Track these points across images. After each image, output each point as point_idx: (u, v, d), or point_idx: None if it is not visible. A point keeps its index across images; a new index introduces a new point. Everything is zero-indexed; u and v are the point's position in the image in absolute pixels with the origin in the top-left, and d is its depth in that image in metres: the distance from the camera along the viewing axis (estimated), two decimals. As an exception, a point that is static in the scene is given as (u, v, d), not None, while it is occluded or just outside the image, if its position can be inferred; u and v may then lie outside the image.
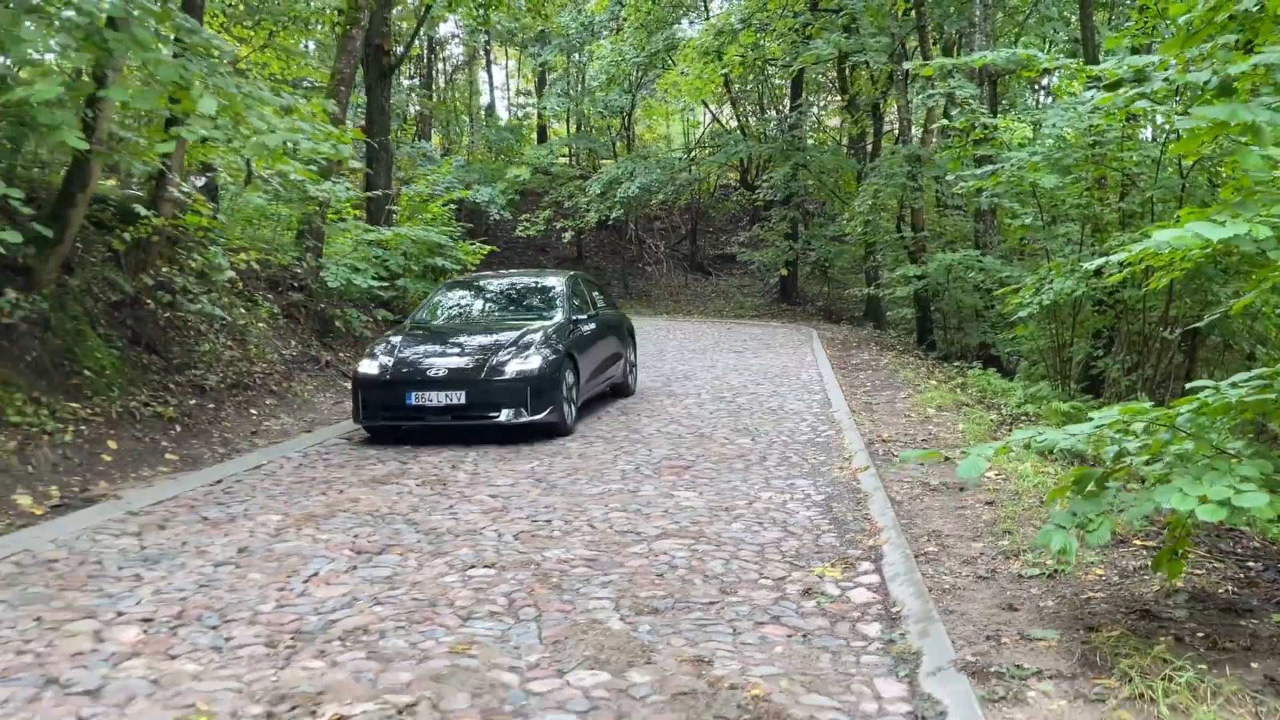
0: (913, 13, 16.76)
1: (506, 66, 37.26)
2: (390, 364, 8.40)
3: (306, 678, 3.55)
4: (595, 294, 10.97)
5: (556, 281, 10.20)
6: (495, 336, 8.78)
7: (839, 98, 26.14)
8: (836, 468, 7.13)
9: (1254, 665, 3.30)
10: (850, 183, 24.64)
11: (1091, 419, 3.39)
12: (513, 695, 3.39)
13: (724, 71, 21.77)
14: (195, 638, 3.96)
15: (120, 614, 4.25)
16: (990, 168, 10.89)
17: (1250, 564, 4.47)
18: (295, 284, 12.01)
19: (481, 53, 35.49)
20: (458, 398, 8.10)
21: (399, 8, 18.92)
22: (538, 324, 9.09)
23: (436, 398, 8.11)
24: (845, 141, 27.30)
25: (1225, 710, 2.96)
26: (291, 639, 3.94)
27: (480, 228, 27.78)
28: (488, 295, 10.37)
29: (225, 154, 9.65)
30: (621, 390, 10.89)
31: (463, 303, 10.23)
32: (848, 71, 22.91)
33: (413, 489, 6.56)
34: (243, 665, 3.68)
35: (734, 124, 29.88)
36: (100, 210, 9.15)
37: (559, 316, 9.35)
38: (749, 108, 29.57)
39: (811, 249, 26.01)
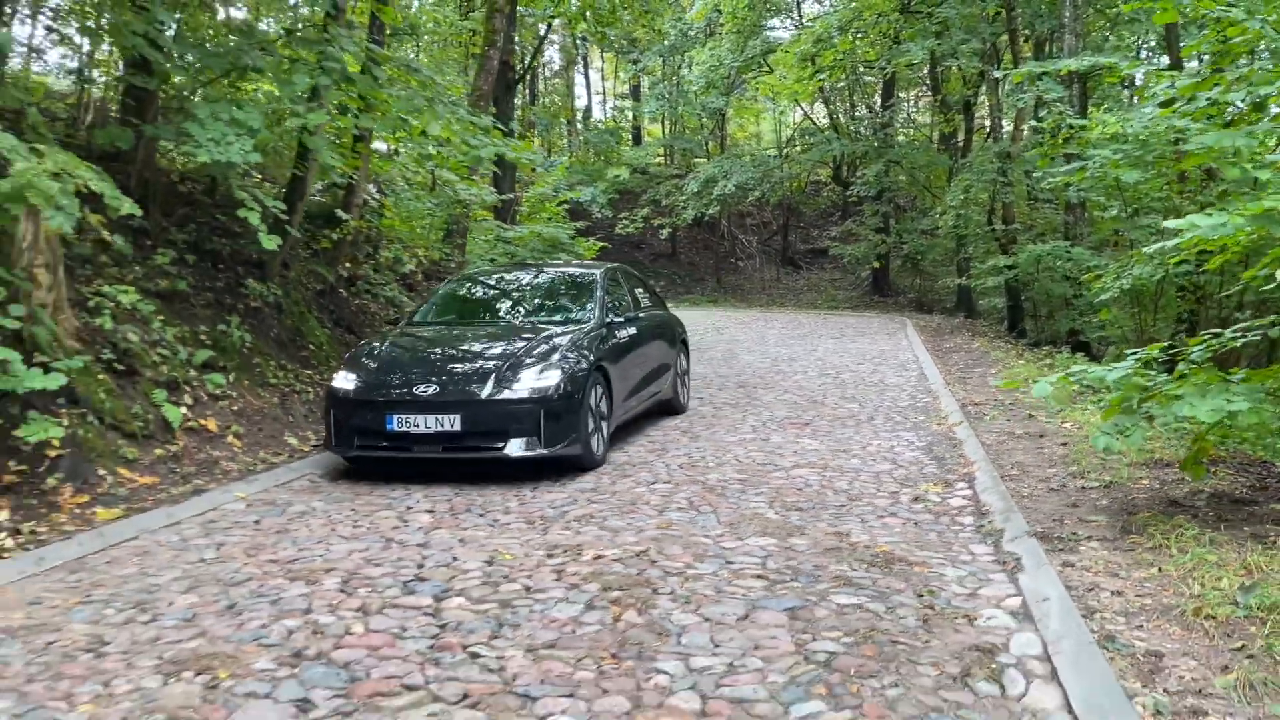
0: (1003, 14, 17.83)
1: (602, 70, 39.02)
2: (369, 377, 6.83)
3: (563, 539, 5.16)
4: (639, 290, 9.39)
5: (590, 275, 8.58)
6: (506, 344, 7.18)
7: (931, 95, 27.14)
8: (934, 424, 8.52)
9: (1246, 529, 4.65)
10: (942, 177, 25.64)
11: (1129, 354, 4.77)
12: (711, 548, 4.94)
13: (821, 78, 23.05)
14: (472, 519, 5.62)
15: (409, 508, 5.94)
16: (1075, 164, 12.03)
17: (1269, 480, 5.75)
18: (445, 276, 13.83)
19: (579, 58, 37.29)
20: (451, 423, 6.45)
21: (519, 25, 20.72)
22: (561, 328, 7.56)
23: (424, 422, 6.47)
24: (937, 138, 28.22)
25: (1216, 549, 4.32)
26: (540, 520, 5.57)
27: (583, 226, 29.65)
28: (506, 292, 8.78)
29: (399, 166, 11.45)
30: (670, 407, 9.29)
31: (474, 300, 8.71)
32: (940, 72, 23.95)
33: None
34: (514, 533, 5.32)
35: (826, 121, 31.05)
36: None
37: (590, 319, 7.81)
38: (841, 105, 30.70)
39: (903, 242, 27.05)
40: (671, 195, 30.27)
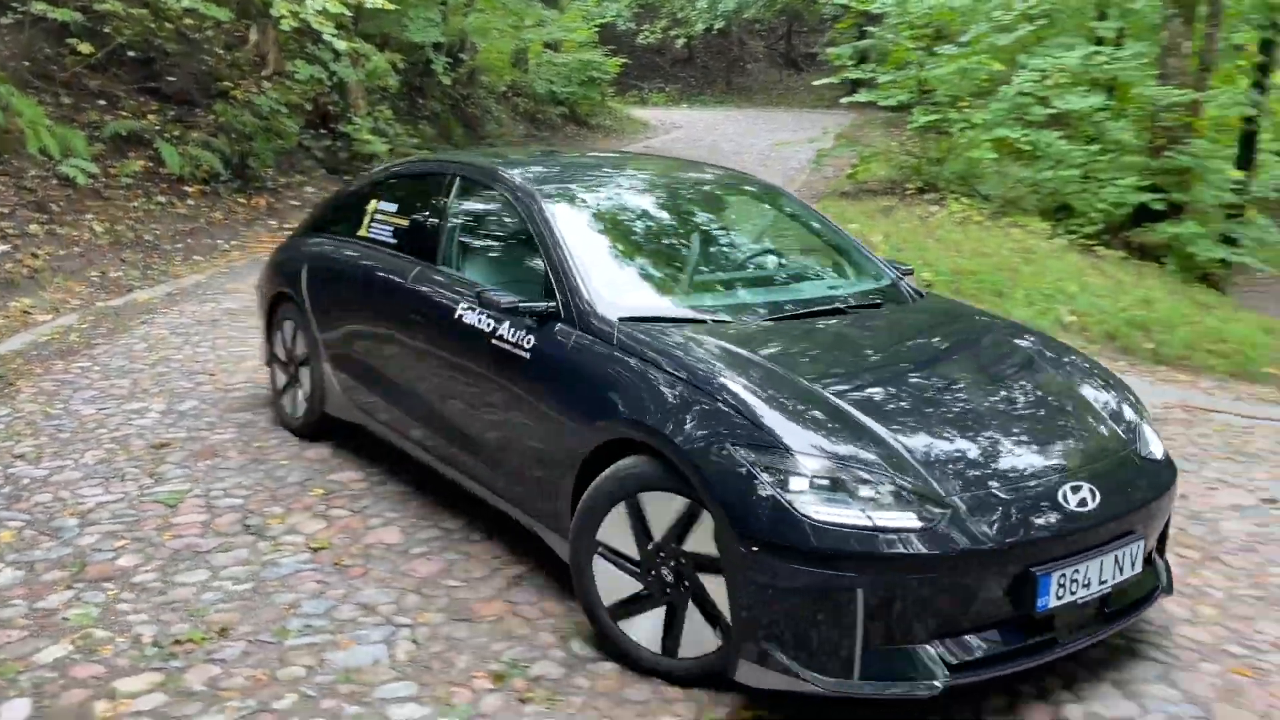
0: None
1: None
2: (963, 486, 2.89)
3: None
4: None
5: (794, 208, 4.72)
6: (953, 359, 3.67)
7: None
8: (776, 147, 16.27)
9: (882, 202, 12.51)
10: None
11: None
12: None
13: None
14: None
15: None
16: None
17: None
18: (514, 94, 21.33)
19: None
20: (1120, 567, 3.03)
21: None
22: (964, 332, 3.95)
23: (1093, 576, 2.94)
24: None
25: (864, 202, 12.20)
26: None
27: (608, 37, 36.32)
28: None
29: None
30: None
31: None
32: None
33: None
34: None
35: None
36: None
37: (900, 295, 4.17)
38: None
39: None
40: (685, 8, 36.64)
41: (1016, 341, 3.86)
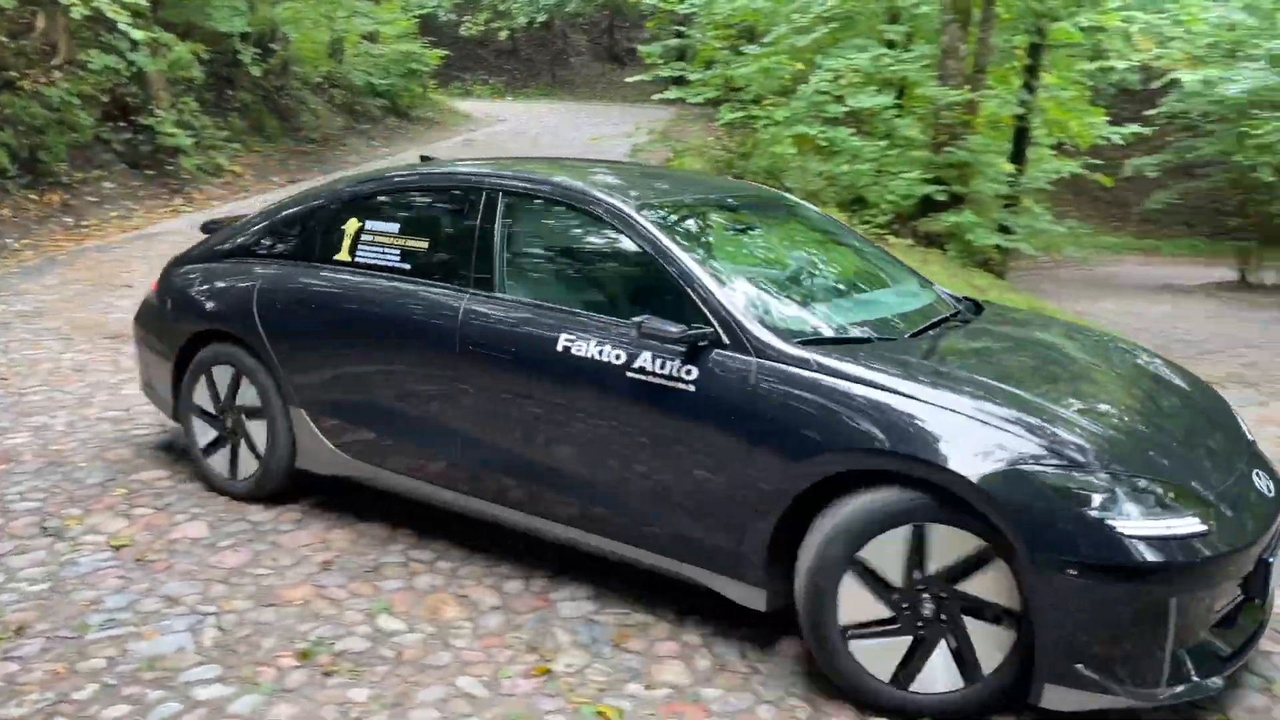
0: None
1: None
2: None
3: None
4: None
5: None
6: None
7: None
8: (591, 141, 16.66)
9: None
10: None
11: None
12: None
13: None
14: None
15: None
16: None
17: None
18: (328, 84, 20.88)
19: None
20: None
21: None
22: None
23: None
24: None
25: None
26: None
27: (428, 28, 35.82)
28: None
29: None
30: None
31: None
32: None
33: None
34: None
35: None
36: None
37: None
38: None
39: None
40: (506, 1, 36.56)
41: (1113, 342, 4.10)
